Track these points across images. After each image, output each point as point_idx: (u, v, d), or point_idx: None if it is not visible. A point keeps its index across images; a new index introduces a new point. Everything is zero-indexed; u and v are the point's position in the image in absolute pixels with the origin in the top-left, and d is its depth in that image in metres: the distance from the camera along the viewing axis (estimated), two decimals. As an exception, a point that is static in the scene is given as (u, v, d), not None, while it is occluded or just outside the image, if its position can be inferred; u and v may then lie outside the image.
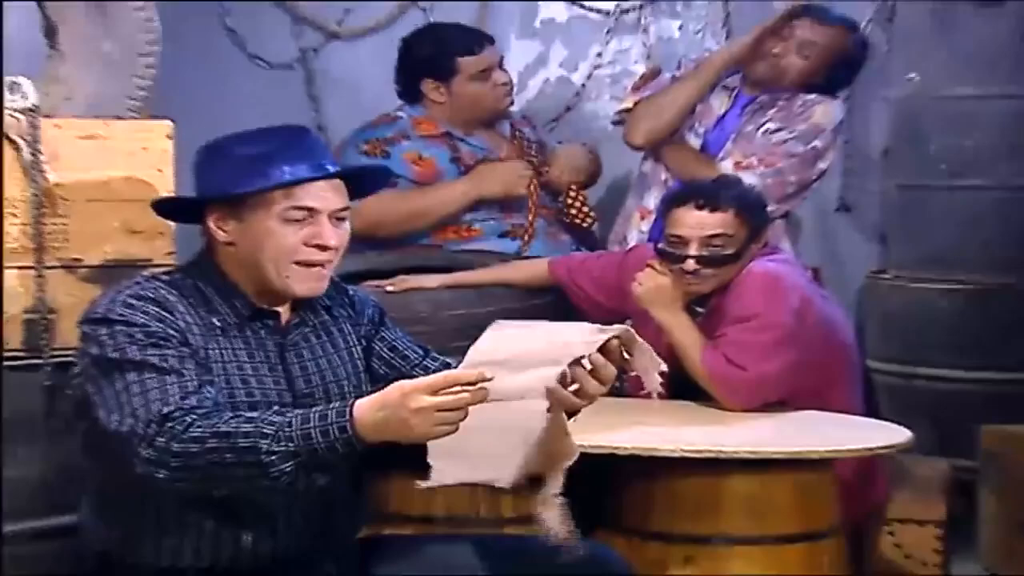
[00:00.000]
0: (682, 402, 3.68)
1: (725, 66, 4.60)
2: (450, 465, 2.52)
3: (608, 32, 5.53)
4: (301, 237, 2.72)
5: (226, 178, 2.74)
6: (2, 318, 3.02)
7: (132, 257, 3.25)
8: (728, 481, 3.31)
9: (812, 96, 4.54)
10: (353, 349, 2.92)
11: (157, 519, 2.71)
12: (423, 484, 2.54)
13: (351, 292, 3.00)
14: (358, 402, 2.47)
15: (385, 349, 2.96)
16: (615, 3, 5.50)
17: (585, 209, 4.72)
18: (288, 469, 2.47)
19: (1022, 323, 4.91)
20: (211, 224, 2.77)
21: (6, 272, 3.13)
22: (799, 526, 3.35)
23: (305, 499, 2.73)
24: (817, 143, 4.46)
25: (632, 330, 2.59)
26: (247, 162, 2.72)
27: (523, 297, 4.22)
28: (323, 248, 2.74)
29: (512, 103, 4.79)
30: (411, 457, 2.57)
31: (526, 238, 4.58)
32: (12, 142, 3.11)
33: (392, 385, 2.45)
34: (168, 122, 3.30)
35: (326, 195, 2.75)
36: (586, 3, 5.53)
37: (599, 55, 5.53)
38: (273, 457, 2.46)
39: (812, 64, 4.55)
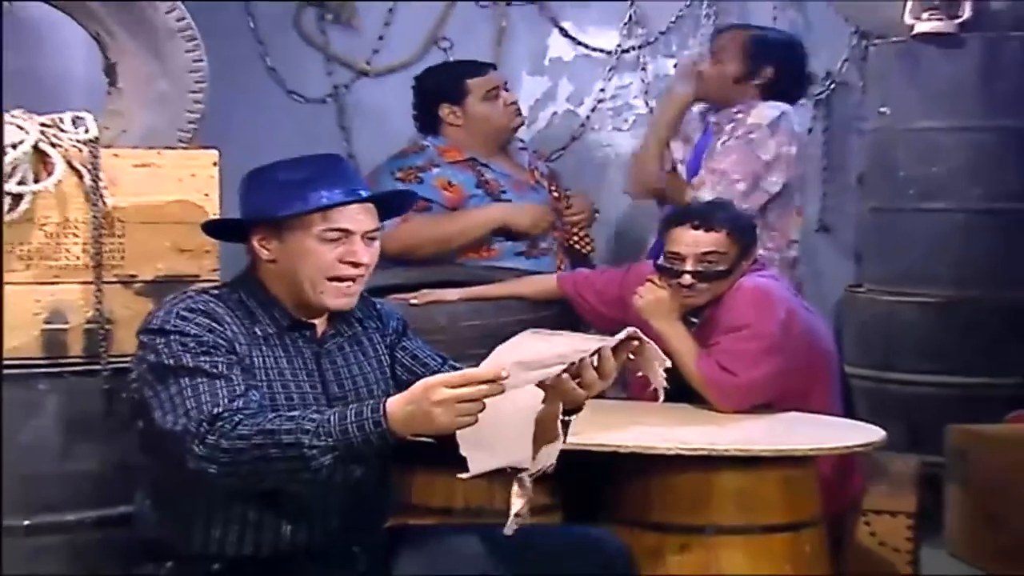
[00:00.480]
0: (678, 404, 3.66)
1: (677, 101, 4.55)
2: (482, 455, 2.52)
3: (610, 70, 5.53)
4: (336, 255, 2.74)
5: (269, 202, 2.75)
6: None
7: (181, 273, 3.24)
8: (719, 476, 3.30)
9: (752, 102, 4.51)
10: (381, 357, 2.93)
11: (206, 511, 2.71)
12: (464, 475, 2.56)
13: (378, 305, 3.00)
14: (389, 400, 2.47)
15: (407, 357, 2.96)
16: (616, 44, 5.50)
17: (588, 238, 4.75)
18: (328, 462, 2.47)
19: (984, 332, 4.89)
20: (255, 243, 2.78)
21: (70, 286, 3.13)
22: (784, 517, 3.34)
23: (338, 493, 2.73)
24: (752, 137, 4.37)
25: (639, 331, 2.58)
26: (288, 187, 2.73)
27: (534, 309, 4.21)
28: (356, 265, 2.75)
29: (522, 123, 4.78)
30: (430, 454, 2.60)
31: (559, 263, 4.58)
32: (75, 170, 3.11)
33: (416, 384, 2.46)
34: (214, 151, 3.29)
35: (359, 217, 2.76)
36: (590, 44, 5.53)
37: (602, 91, 5.52)
38: (314, 451, 2.46)
39: (727, 66, 4.54)
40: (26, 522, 3.06)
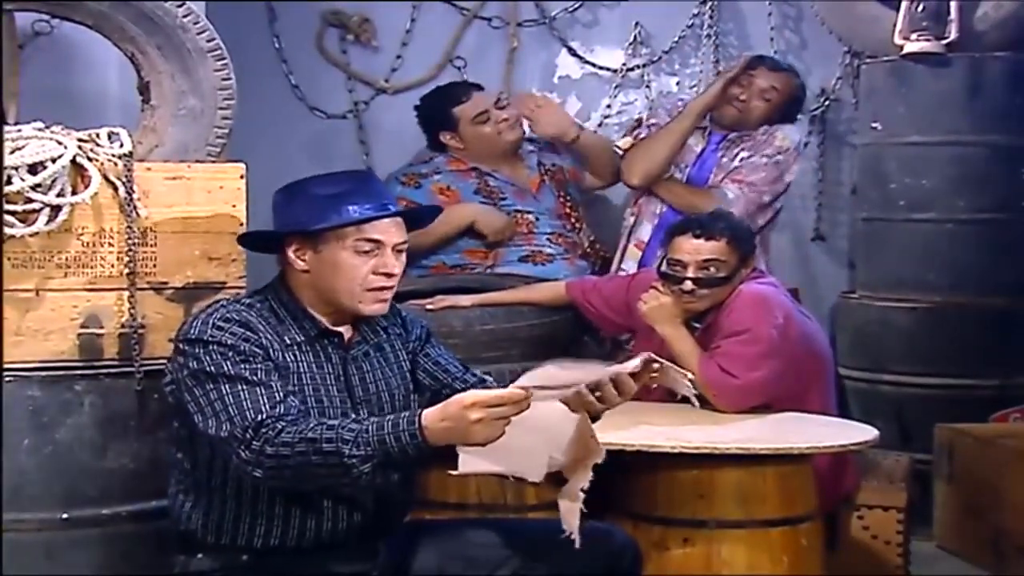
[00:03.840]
0: (681, 405, 3.64)
1: (703, 110, 4.62)
2: (477, 456, 2.52)
3: (616, 87, 5.50)
4: (370, 267, 2.75)
5: (305, 215, 2.74)
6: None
7: (210, 280, 3.24)
8: (721, 473, 3.29)
9: (771, 126, 4.62)
10: (403, 363, 2.93)
11: (236, 506, 2.71)
12: (454, 472, 2.57)
13: (403, 314, 3.00)
14: (424, 412, 2.48)
15: (430, 363, 2.96)
16: (621, 63, 5.49)
17: (599, 248, 4.79)
18: (367, 470, 2.49)
19: (970, 336, 4.88)
20: (289, 253, 2.77)
21: (105, 292, 3.13)
22: (781, 512, 3.33)
23: (364, 491, 2.74)
24: (780, 158, 4.51)
25: (653, 355, 2.61)
26: (323, 201, 2.73)
27: (543, 314, 4.20)
28: (388, 276, 2.76)
29: (520, 136, 4.78)
30: (445, 453, 2.59)
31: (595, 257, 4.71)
32: (111, 183, 3.11)
33: (451, 400, 2.47)
34: (241, 165, 3.29)
35: (390, 229, 2.77)
36: (597, 63, 5.52)
37: (608, 107, 5.50)
38: (354, 460, 2.48)
39: (772, 106, 4.62)
40: (64, 515, 3.07)
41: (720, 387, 3.57)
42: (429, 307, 4.12)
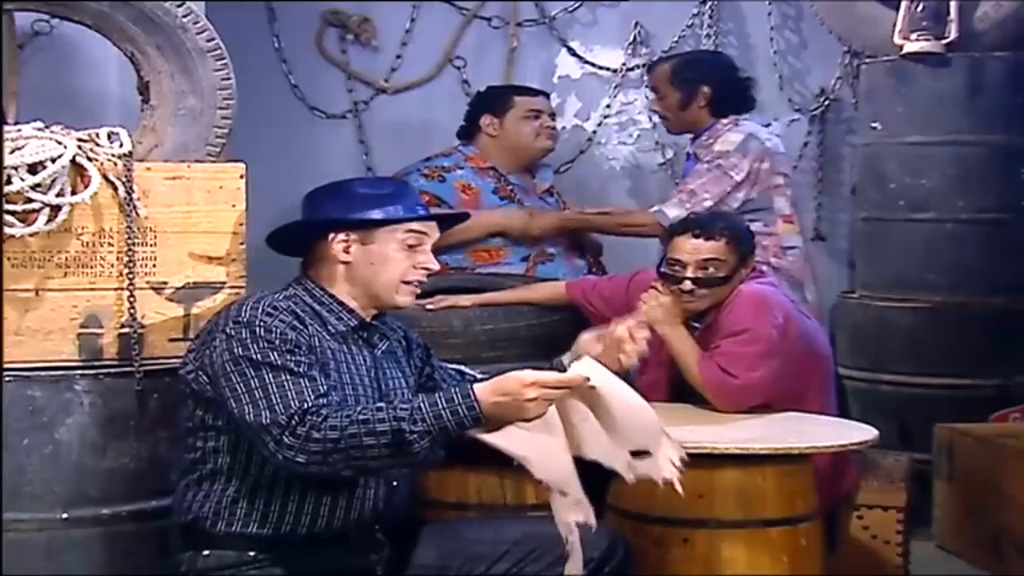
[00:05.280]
0: (681, 405, 3.67)
1: None
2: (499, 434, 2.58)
3: (615, 87, 5.53)
4: (412, 262, 2.86)
5: (360, 210, 2.84)
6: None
7: (210, 280, 3.24)
8: (720, 473, 3.28)
9: (717, 126, 4.56)
10: (405, 368, 3.00)
11: (251, 492, 2.75)
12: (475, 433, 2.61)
13: (399, 323, 3.08)
14: (476, 387, 2.56)
15: (439, 372, 3.08)
16: (621, 62, 5.50)
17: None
18: (426, 445, 2.54)
19: (970, 336, 4.87)
20: (334, 246, 2.84)
21: (105, 292, 3.14)
22: (781, 511, 3.32)
23: (374, 485, 2.80)
24: (721, 162, 4.43)
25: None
26: (375, 199, 2.86)
27: (543, 314, 4.20)
28: (428, 271, 2.89)
29: (551, 148, 4.83)
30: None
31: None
32: (110, 183, 3.11)
33: (507, 376, 2.56)
34: (241, 164, 3.29)
35: (431, 227, 2.91)
36: (596, 63, 5.53)
37: (608, 107, 5.53)
38: (415, 434, 2.52)
39: (667, 99, 4.62)
40: (64, 515, 3.07)
41: (719, 387, 3.57)
42: (429, 307, 4.12)
